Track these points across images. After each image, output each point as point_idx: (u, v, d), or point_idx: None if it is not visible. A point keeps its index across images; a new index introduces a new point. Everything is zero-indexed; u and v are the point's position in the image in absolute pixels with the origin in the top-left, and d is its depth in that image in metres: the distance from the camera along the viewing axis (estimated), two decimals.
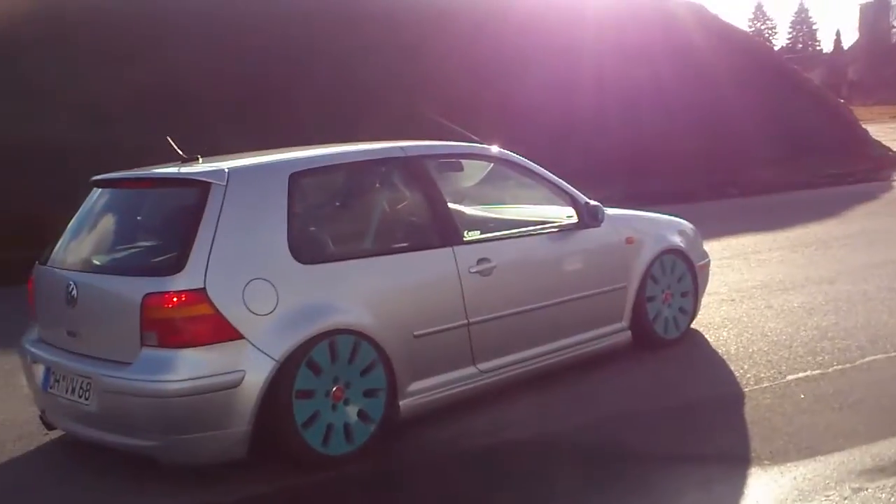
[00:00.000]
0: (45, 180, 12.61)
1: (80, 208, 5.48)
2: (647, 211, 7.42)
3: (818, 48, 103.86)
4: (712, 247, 9.93)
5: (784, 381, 5.87)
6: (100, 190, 5.48)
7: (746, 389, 5.76)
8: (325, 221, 5.49)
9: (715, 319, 7.54)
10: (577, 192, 6.36)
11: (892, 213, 14.96)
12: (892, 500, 4.10)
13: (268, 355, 4.59)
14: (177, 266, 4.58)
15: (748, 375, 6.02)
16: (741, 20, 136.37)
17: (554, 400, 5.77)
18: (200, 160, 5.28)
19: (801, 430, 5.02)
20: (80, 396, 4.78)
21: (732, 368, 6.21)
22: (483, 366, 5.56)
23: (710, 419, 5.40)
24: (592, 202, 6.33)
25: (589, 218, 6.27)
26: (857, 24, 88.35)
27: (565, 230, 6.24)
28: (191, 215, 4.73)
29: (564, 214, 6.38)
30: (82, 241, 5.36)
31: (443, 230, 5.54)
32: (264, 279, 4.71)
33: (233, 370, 4.53)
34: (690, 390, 5.92)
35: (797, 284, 8.88)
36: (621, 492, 4.53)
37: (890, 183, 20.26)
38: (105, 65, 15.80)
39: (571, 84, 19.90)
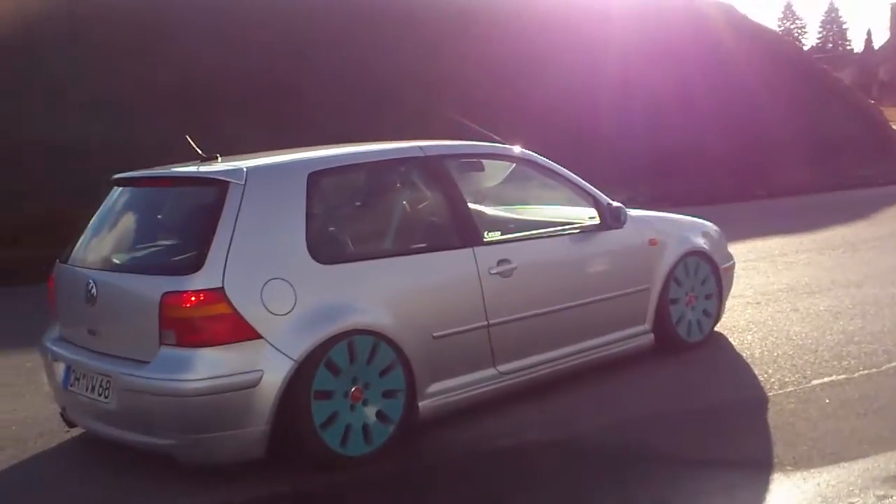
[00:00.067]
0: (66, 178, 12.68)
1: (101, 207, 5.49)
2: (672, 213, 7.36)
3: (849, 48, 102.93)
4: (738, 249, 9.84)
5: (809, 385, 5.79)
6: (120, 188, 5.49)
7: (770, 394, 5.69)
8: (344, 221, 5.47)
9: (739, 322, 7.46)
10: (599, 193, 6.31)
11: None
12: None
13: (286, 355, 4.58)
14: (195, 265, 4.58)
15: (772, 380, 5.94)
16: (770, 20, 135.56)
17: (576, 402, 5.73)
18: (219, 159, 5.28)
19: (825, 435, 4.95)
20: (100, 395, 4.79)
21: (756, 372, 6.14)
22: (503, 367, 5.52)
23: (733, 423, 5.35)
24: (615, 203, 6.28)
25: (611, 219, 6.21)
26: (888, 24, 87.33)
27: (587, 231, 6.19)
28: (209, 214, 4.73)
29: (587, 215, 6.33)
30: (102, 239, 5.38)
31: (463, 231, 5.50)
32: (282, 279, 4.69)
33: (251, 370, 4.51)
34: (714, 394, 5.85)
35: (824, 288, 8.78)
36: (644, 495, 4.48)
37: None
38: (118, 61, 15.89)
39: (595, 84, 19.82)
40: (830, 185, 19.30)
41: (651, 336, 6.43)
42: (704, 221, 7.25)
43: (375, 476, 4.74)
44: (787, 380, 5.92)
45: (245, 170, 4.87)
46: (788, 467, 4.55)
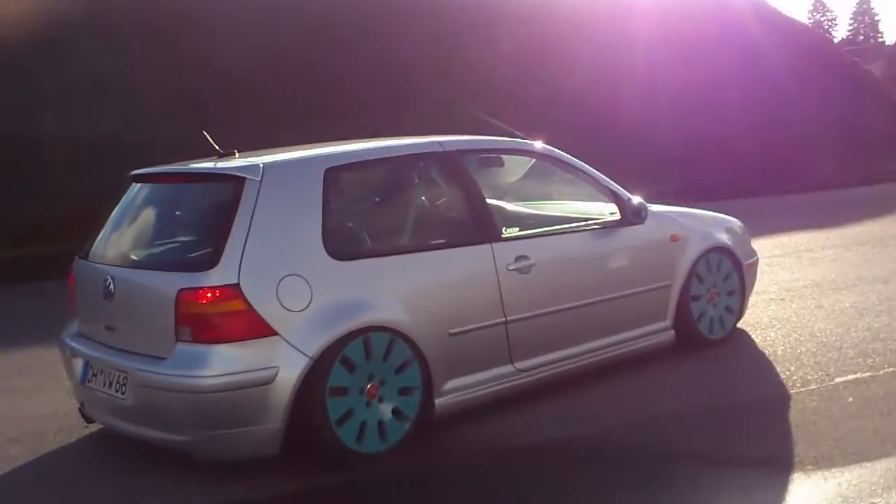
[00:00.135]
0: (90, 174, 12.75)
1: (120, 202, 5.50)
2: (698, 207, 7.28)
3: (880, 40, 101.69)
4: (763, 244, 9.78)
5: (832, 383, 5.72)
6: (138, 185, 5.50)
7: (793, 392, 5.61)
8: (361, 217, 5.44)
9: (763, 319, 7.38)
10: (620, 188, 6.25)
11: None
12: None
13: (301, 352, 4.56)
14: (211, 261, 4.57)
15: (795, 377, 5.87)
16: (800, 12, 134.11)
17: (595, 400, 5.68)
18: (237, 155, 5.28)
19: (847, 434, 4.88)
20: (117, 391, 4.80)
21: (779, 370, 6.07)
22: (521, 364, 5.48)
23: (754, 421, 5.28)
24: (636, 199, 6.22)
25: (632, 215, 6.15)
26: None
27: (607, 227, 6.13)
28: (225, 210, 4.72)
29: (607, 211, 6.27)
30: (120, 235, 5.39)
31: (481, 226, 5.46)
32: (298, 275, 4.68)
33: (266, 366, 4.50)
34: (735, 391, 5.79)
35: (849, 284, 8.67)
36: (664, 493, 4.42)
37: None
38: (144, 55, 15.96)
39: (622, 78, 19.72)
40: (859, 179, 19.09)
41: (672, 333, 6.37)
42: (728, 217, 7.18)
43: (391, 473, 4.72)
44: (809, 377, 5.84)
45: (262, 166, 4.86)
46: (809, 467, 4.48)
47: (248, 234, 4.61)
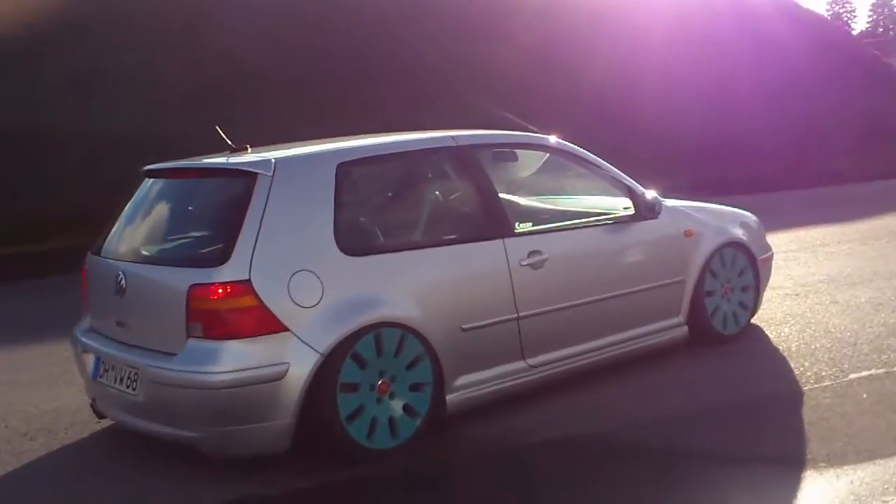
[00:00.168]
0: (103, 169, 12.79)
1: (132, 198, 5.51)
2: (715, 201, 7.24)
3: None
4: (779, 239, 9.71)
5: (846, 379, 5.67)
6: (151, 180, 5.50)
7: (806, 388, 5.57)
8: (373, 212, 5.42)
9: (777, 315, 7.33)
10: (634, 182, 6.22)
11: None
12: None
13: (312, 348, 4.56)
14: (222, 257, 4.57)
15: (808, 373, 5.83)
16: (819, 4, 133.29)
17: (608, 396, 5.65)
18: (249, 150, 5.27)
19: (861, 431, 4.84)
20: (128, 386, 4.80)
21: (793, 366, 6.02)
22: (533, 360, 5.46)
23: (767, 418, 5.24)
24: (650, 193, 6.18)
25: (646, 210, 6.12)
26: None
27: (621, 222, 6.10)
28: (237, 206, 4.72)
29: (621, 206, 6.24)
30: (132, 230, 5.40)
31: (493, 222, 5.44)
32: (310, 271, 4.67)
33: (277, 362, 4.50)
34: (748, 388, 5.75)
35: (865, 279, 8.60)
36: (676, 490, 4.40)
37: None
38: (158, 50, 15.98)
39: (639, 72, 19.63)
40: (878, 174, 18.92)
41: (685, 329, 6.33)
42: (743, 211, 7.13)
43: (401, 470, 4.71)
44: (823, 374, 5.80)
45: (273, 161, 4.85)
46: (822, 464, 4.45)
47: (259, 229, 4.61)
